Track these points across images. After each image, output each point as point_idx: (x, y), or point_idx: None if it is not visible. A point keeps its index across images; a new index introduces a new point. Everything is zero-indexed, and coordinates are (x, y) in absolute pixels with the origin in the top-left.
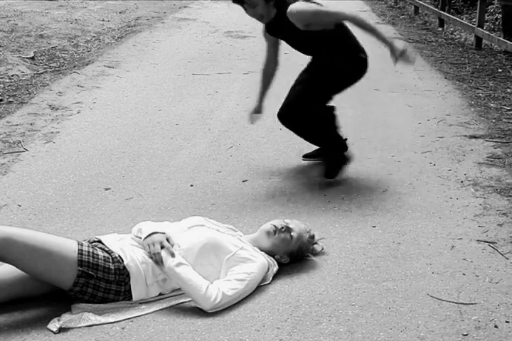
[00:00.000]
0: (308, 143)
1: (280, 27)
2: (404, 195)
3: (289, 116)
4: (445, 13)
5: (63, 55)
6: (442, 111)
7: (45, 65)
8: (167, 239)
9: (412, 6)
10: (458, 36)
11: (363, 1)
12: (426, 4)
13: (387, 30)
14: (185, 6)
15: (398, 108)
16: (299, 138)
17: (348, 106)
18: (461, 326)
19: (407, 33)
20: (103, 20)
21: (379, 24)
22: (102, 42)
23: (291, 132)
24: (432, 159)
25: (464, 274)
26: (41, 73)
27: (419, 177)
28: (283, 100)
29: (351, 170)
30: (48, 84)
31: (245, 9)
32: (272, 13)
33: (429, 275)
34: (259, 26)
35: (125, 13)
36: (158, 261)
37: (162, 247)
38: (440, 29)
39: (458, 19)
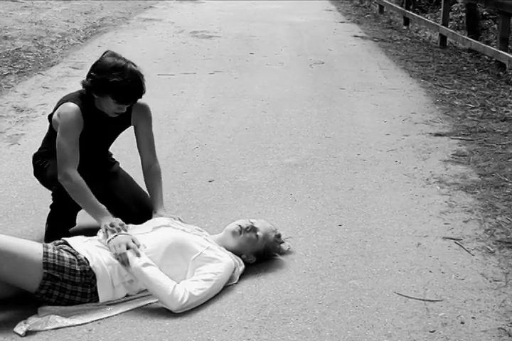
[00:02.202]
0: (274, 142)
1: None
2: (370, 193)
3: None
4: (410, 12)
5: (28, 57)
6: (407, 109)
7: (10, 66)
8: (132, 240)
9: (377, 5)
10: (423, 35)
11: (329, 1)
12: (391, 3)
13: (352, 28)
14: (150, 7)
15: (363, 106)
16: (265, 137)
17: (313, 105)
18: (427, 323)
19: (372, 31)
20: (68, 21)
21: (344, 23)
22: (67, 44)
23: (257, 132)
24: (398, 157)
25: (430, 271)
26: (5, 75)
27: (384, 176)
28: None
29: (318, 169)
30: (12, 86)
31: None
32: None
33: (395, 273)
34: (225, 26)
35: (90, 14)
36: (124, 262)
37: (128, 248)
38: (405, 28)
39: (423, 18)
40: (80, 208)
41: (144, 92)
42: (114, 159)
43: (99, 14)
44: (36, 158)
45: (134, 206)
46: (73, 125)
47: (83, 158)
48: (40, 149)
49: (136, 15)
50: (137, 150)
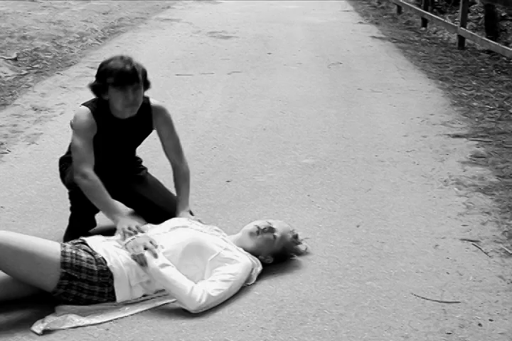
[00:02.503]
0: (292, 143)
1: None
2: (387, 194)
3: None
4: (428, 13)
5: (46, 56)
6: (425, 110)
7: (28, 66)
8: (150, 241)
9: (395, 6)
10: (441, 36)
11: (346, 1)
12: (409, 4)
13: (370, 29)
14: (168, 7)
15: (381, 107)
16: (283, 138)
17: (331, 106)
18: (445, 325)
19: (390, 32)
20: (86, 21)
21: (362, 24)
22: (85, 44)
23: (275, 132)
24: (416, 158)
25: (447, 273)
26: (24, 74)
27: (402, 177)
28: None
29: (336, 170)
30: (30, 86)
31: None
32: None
33: (413, 275)
34: (242, 27)
35: (108, 14)
36: (141, 263)
37: (146, 249)
38: (423, 29)
39: (441, 19)
40: (98, 210)
41: (139, 73)
42: (142, 165)
43: (117, 14)
44: (62, 162)
45: (162, 207)
46: (85, 126)
47: (107, 164)
48: (66, 153)
49: (154, 15)
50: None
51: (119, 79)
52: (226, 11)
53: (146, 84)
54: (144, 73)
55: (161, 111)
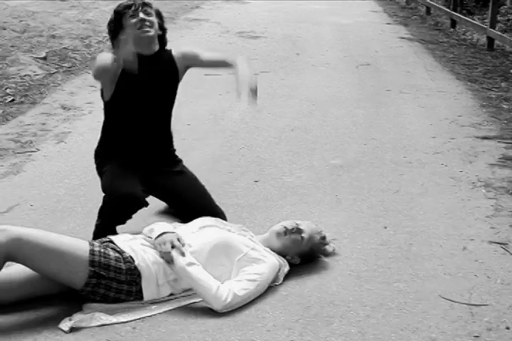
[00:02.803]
0: (320, 143)
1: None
2: (416, 195)
3: None
4: (457, 14)
5: (75, 55)
6: (454, 112)
7: (57, 65)
8: (178, 239)
9: (424, 7)
10: (470, 37)
11: (375, 2)
12: (438, 5)
13: (398, 30)
14: (196, 7)
15: (409, 109)
16: (311, 138)
17: (359, 107)
18: (472, 327)
19: (418, 33)
20: None
21: (390, 25)
22: None
23: (303, 133)
24: (444, 160)
25: (475, 275)
26: (53, 73)
27: (430, 179)
28: None
29: (363, 171)
30: (59, 84)
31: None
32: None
33: (440, 277)
34: (271, 27)
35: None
36: (169, 261)
37: (173, 247)
38: (452, 30)
39: (470, 20)
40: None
41: (150, 4)
42: (178, 157)
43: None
44: (97, 155)
45: (197, 204)
46: (105, 57)
47: (140, 134)
48: (98, 144)
49: (183, 15)
50: None
51: (128, 3)
52: (254, 10)
53: (162, 26)
54: (159, 12)
55: (179, 51)
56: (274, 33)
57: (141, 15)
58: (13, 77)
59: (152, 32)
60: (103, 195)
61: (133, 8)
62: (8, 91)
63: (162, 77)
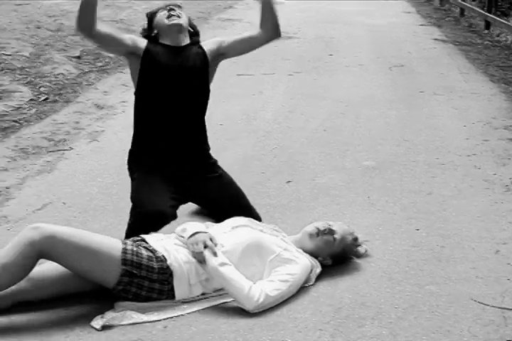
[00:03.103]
0: (353, 144)
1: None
2: (448, 198)
3: None
4: (491, 15)
5: (109, 55)
6: (487, 114)
7: (91, 64)
8: (210, 239)
9: (458, 8)
10: (504, 39)
11: (408, 3)
12: (472, 6)
13: (432, 31)
14: (230, 7)
15: (443, 110)
16: (343, 139)
17: (392, 108)
18: (505, 331)
19: (452, 35)
20: None
21: (424, 26)
22: None
23: (336, 134)
24: (477, 162)
25: (508, 279)
26: (87, 72)
27: (463, 181)
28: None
29: (396, 173)
30: (93, 83)
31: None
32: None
33: (473, 280)
34: (304, 27)
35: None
36: (201, 261)
37: (205, 247)
38: (486, 31)
39: (504, 21)
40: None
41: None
42: (213, 157)
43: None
44: (130, 158)
45: (233, 209)
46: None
47: (172, 127)
48: (132, 145)
49: (216, 15)
50: None
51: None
52: (287, 11)
53: (194, 30)
54: (190, 19)
55: (210, 40)
56: (307, 33)
57: (172, 6)
58: (47, 76)
59: (181, 21)
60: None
61: (163, 7)
62: (42, 89)
63: (191, 69)
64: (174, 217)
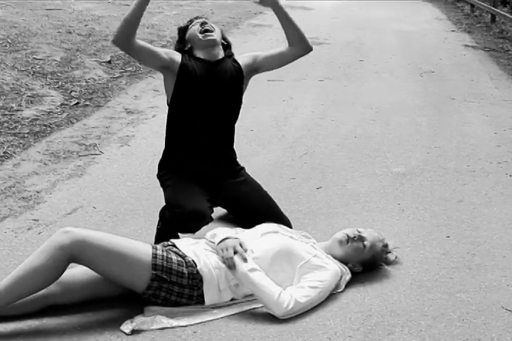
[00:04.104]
0: (383, 151)
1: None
2: (479, 205)
3: None
4: None
5: None
6: None
7: (122, 68)
8: (240, 245)
9: (489, 14)
10: None
11: (439, 9)
12: (503, 12)
13: (463, 38)
14: (260, 12)
15: (474, 117)
16: (374, 146)
17: (422, 115)
18: None
19: (483, 41)
20: (179, 26)
21: (454, 32)
22: None
23: (366, 140)
24: (508, 170)
25: None
26: (117, 77)
27: (494, 188)
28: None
29: (426, 179)
30: (124, 88)
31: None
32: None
33: (503, 288)
34: (334, 33)
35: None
36: (231, 266)
37: (235, 252)
38: None
39: None
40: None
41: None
42: (239, 164)
43: (209, 19)
44: (162, 167)
45: (262, 214)
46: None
47: (204, 134)
48: (163, 153)
49: (247, 20)
50: None
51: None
52: (318, 17)
53: (227, 42)
54: (222, 32)
55: (243, 55)
56: (337, 39)
57: (204, 22)
58: (78, 81)
59: (214, 36)
60: (161, 208)
61: (194, 20)
62: (73, 94)
63: (226, 83)
64: (211, 218)
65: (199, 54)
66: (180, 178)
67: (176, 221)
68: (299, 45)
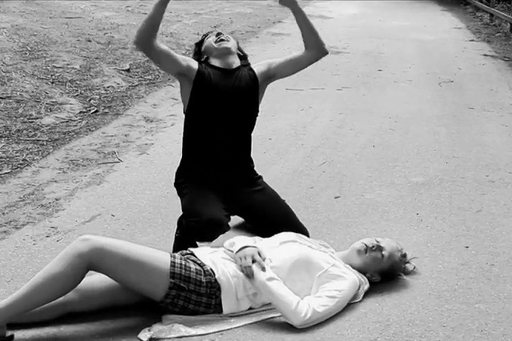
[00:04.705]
0: (401, 160)
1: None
2: (498, 215)
3: None
4: None
5: (158, 68)
6: None
7: (140, 77)
8: (259, 253)
9: (508, 24)
10: None
11: (457, 19)
12: None
13: (482, 47)
14: (279, 21)
15: (493, 127)
16: (392, 155)
17: (441, 125)
18: None
19: (502, 50)
20: (198, 34)
21: (473, 41)
22: None
23: (385, 149)
24: None
25: None
26: (136, 85)
27: None
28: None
29: (445, 189)
30: (142, 96)
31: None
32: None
33: None
34: (353, 42)
35: (219, 27)
36: (249, 275)
37: (253, 261)
38: None
39: None
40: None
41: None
42: (257, 173)
43: (228, 27)
44: (179, 175)
45: (279, 223)
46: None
47: (219, 143)
48: (180, 162)
49: (265, 29)
50: None
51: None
52: (336, 26)
53: (242, 52)
54: (238, 42)
55: (259, 63)
56: (356, 48)
57: (219, 32)
58: (97, 89)
59: (229, 44)
60: (179, 216)
61: (209, 33)
62: (92, 102)
63: (242, 91)
64: (228, 227)
65: (215, 62)
66: (198, 186)
67: (192, 230)
68: (315, 48)
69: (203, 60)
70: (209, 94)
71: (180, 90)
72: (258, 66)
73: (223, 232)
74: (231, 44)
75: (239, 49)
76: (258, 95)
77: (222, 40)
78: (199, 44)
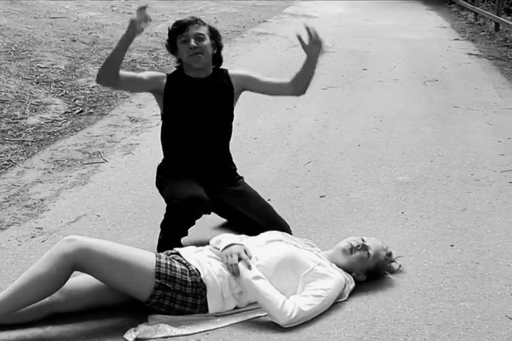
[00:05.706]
0: (387, 159)
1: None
2: (483, 214)
3: None
4: None
5: (143, 68)
6: None
7: None
8: (245, 251)
9: (493, 23)
10: None
11: (442, 18)
12: (507, 21)
13: (466, 46)
14: (264, 21)
15: (477, 126)
16: (377, 154)
17: (426, 124)
18: None
19: (487, 49)
20: None
21: (458, 40)
22: None
23: (370, 149)
24: None
25: None
26: None
27: (498, 197)
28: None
29: (430, 188)
30: (128, 96)
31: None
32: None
33: (507, 297)
34: (338, 42)
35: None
36: (235, 273)
37: (240, 259)
38: None
39: None
40: (193, 223)
41: (203, 22)
42: (238, 174)
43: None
44: (160, 171)
45: (263, 221)
46: (150, 73)
47: (196, 151)
48: (162, 161)
49: (250, 29)
50: None
51: (180, 24)
52: (321, 25)
53: (217, 44)
54: (214, 30)
55: (237, 73)
56: (342, 48)
57: (192, 42)
58: (82, 89)
59: (203, 58)
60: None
61: (185, 32)
62: (77, 102)
63: (216, 100)
64: (211, 206)
65: (188, 72)
66: (178, 178)
67: (175, 210)
68: (300, 87)
69: (177, 65)
70: (180, 105)
71: (155, 99)
72: (236, 76)
73: (206, 211)
74: (204, 57)
75: (214, 44)
76: (232, 103)
77: (196, 53)
78: (171, 42)
